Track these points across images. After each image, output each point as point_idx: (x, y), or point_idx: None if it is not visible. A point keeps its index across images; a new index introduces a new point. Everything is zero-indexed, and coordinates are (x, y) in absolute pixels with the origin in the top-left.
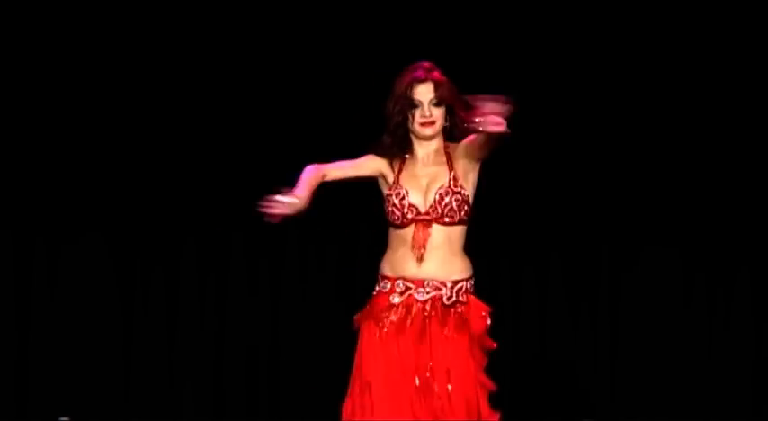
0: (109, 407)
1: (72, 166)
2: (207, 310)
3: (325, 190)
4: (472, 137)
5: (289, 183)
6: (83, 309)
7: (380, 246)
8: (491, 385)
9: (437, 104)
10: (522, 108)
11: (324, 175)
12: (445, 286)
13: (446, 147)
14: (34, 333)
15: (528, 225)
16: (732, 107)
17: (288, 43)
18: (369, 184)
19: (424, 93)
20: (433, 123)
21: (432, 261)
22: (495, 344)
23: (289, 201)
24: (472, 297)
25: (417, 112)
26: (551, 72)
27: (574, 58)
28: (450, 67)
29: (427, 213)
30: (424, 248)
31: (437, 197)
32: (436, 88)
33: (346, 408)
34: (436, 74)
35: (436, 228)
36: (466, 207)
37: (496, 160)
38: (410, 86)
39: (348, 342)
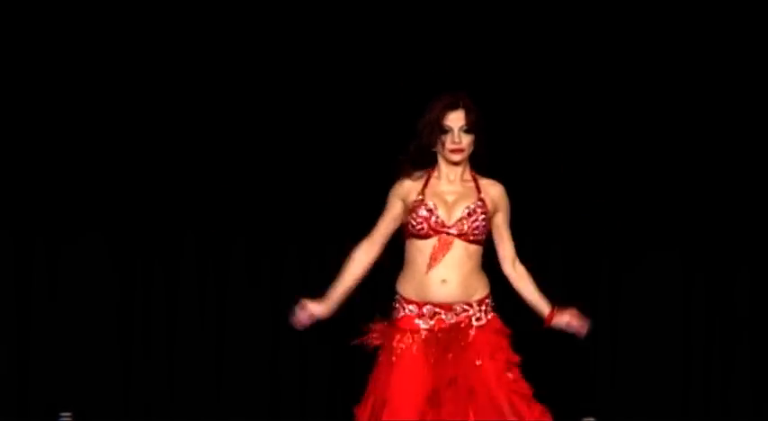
0: (110, 403)
1: (72, 166)
2: (207, 309)
3: (327, 194)
4: (502, 229)
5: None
6: (83, 307)
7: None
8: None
9: (467, 131)
10: (521, 110)
11: (373, 256)
12: (472, 307)
13: (473, 175)
14: (35, 331)
15: (527, 227)
16: (731, 110)
17: (290, 43)
18: (372, 188)
19: (455, 119)
20: (462, 150)
21: (454, 281)
22: (517, 358)
23: (308, 313)
24: (493, 314)
25: (448, 139)
26: (554, 74)
27: (577, 59)
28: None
29: (452, 227)
30: (439, 260)
31: (465, 214)
32: (467, 115)
33: (360, 416)
34: (468, 102)
35: (458, 245)
36: (486, 230)
37: (498, 161)
38: (442, 112)
39: (347, 340)
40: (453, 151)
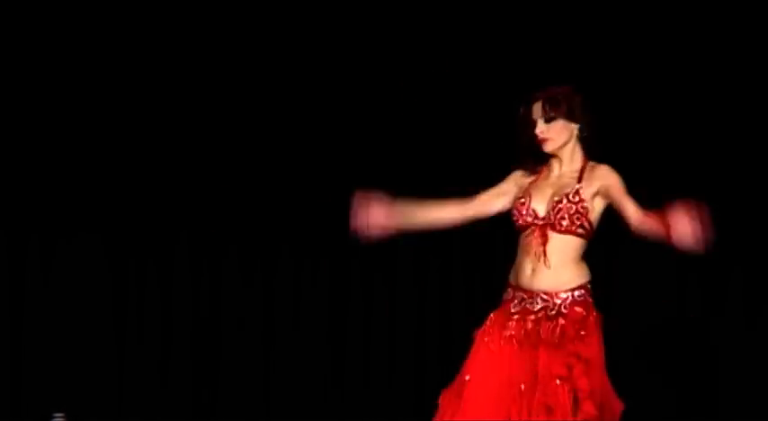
0: (103, 404)
1: (66, 165)
2: (201, 309)
3: (321, 193)
4: (618, 198)
5: None
6: (77, 307)
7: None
8: (585, 389)
9: (548, 120)
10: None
11: (457, 215)
12: (552, 298)
13: (584, 163)
14: (28, 330)
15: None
16: (723, 105)
17: (282, 42)
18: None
19: (536, 111)
20: (546, 140)
21: (543, 271)
22: (584, 353)
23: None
24: (577, 308)
25: (534, 131)
26: (545, 74)
27: (570, 55)
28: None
29: (544, 218)
30: (545, 252)
31: (553, 203)
32: (545, 104)
33: (442, 400)
34: (551, 90)
35: (552, 236)
36: (583, 221)
37: (487, 159)
38: (526, 107)
39: (342, 335)
40: (540, 142)
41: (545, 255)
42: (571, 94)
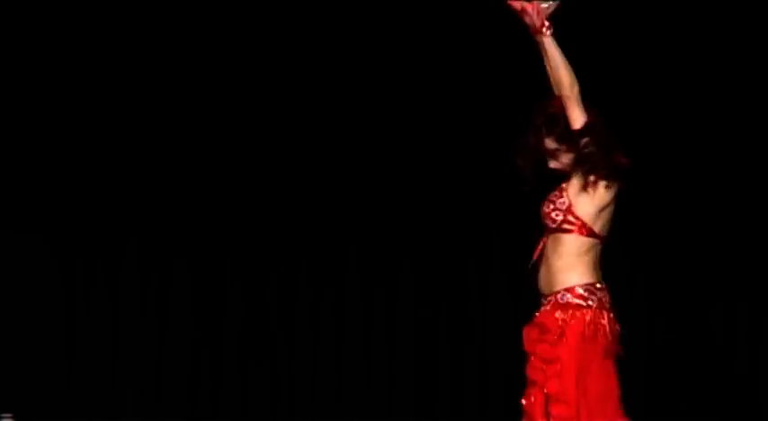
0: (52, 405)
1: (14, 165)
2: (149, 311)
3: (270, 202)
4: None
5: None
6: (25, 308)
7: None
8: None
9: (553, 157)
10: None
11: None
12: (545, 299)
13: None
14: None
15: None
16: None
17: (266, 42)
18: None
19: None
20: (565, 170)
21: (542, 272)
22: (555, 355)
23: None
24: (557, 313)
25: (551, 167)
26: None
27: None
28: None
29: (543, 218)
30: (543, 251)
31: (544, 203)
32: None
33: None
34: (531, 134)
35: (550, 236)
36: (567, 216)
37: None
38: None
39: (290, 342)
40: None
41: (543, 255)
42: (547, 122)
